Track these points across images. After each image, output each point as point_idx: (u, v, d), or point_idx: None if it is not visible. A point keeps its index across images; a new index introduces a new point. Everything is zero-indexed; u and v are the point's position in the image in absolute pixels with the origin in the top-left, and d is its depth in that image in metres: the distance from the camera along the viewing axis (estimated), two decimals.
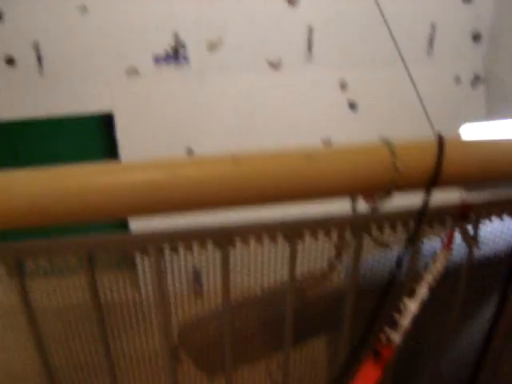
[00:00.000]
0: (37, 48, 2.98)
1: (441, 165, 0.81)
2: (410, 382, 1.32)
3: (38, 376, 1.08)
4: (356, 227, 0.94)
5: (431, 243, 1.01)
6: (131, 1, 3.05)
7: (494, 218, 1.03)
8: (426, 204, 0.84)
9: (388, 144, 0.83)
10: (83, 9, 2.98)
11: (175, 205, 0.78)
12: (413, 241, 0.91)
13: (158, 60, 3.21)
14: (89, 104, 3.19)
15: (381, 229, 0.94)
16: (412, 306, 0.79)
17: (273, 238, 0.91)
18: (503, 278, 1.11)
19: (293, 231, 0.92)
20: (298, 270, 1.05)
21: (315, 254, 1.02)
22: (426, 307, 1.14)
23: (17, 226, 0.74)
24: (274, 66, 3.34)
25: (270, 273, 1.07)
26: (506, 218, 1.06)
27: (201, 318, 1.13)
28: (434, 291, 1.06)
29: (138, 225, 0.86)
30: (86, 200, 0.73)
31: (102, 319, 0.97)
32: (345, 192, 0.84)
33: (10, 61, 2.97)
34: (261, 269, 1.07)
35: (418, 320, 1.20)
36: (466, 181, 0.89)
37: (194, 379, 1.22)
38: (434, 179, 0.82)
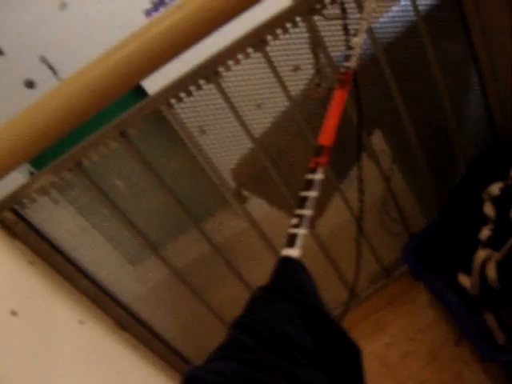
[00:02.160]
0: None
1: None
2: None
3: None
4: (302, 13, 1.13)
5: None
6: None
7: None
8: None
9: None
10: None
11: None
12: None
13: (149, 13, 3.39)
14: None
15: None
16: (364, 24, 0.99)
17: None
18: None
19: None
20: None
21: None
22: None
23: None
24: None
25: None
26: None
27: (245, 154, 1.37)
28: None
29: None
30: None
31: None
32: (232, 15, 1.01)
33: None
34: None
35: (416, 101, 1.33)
36: None
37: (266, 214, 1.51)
38: None
